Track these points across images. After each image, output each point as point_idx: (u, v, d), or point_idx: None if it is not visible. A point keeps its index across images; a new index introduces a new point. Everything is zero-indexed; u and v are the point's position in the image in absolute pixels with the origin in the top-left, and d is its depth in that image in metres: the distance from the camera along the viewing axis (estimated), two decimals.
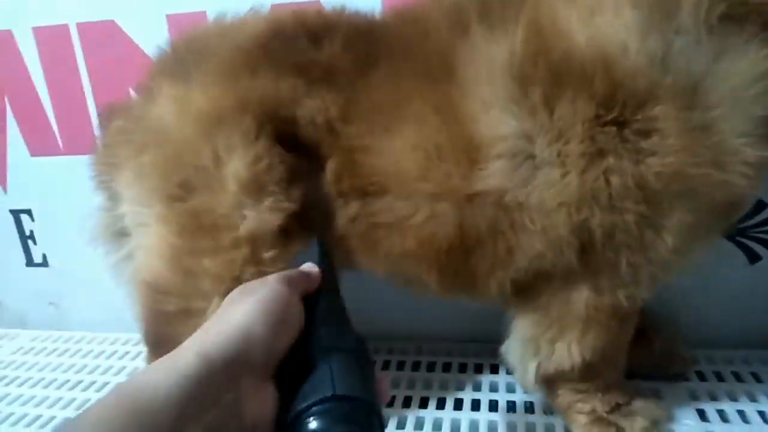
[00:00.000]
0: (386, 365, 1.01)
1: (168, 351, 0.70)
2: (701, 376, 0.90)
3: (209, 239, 0.69)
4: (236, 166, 0.68)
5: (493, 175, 0.65)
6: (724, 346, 0.95)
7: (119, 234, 0.82)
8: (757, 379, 0.88)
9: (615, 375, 0.79)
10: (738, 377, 0.89)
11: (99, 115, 0.82)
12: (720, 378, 0.89)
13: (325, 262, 0.61)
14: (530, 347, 0.75)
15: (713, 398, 0.85)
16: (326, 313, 0.54)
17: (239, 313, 0.47)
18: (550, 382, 0.78)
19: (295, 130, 0.71)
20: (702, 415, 0.81)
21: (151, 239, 0.73)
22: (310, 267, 0.59)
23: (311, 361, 0.47)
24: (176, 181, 0.70)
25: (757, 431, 0.77)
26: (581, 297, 0.69)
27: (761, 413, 0.81)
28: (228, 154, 0.69)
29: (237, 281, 0.69)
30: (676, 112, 0.59)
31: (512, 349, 0.77)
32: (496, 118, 0.64)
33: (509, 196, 0.65)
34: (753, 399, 0.84)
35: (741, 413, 0.81)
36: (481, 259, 0.69)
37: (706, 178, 0.60)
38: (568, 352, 0.73)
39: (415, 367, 1.00)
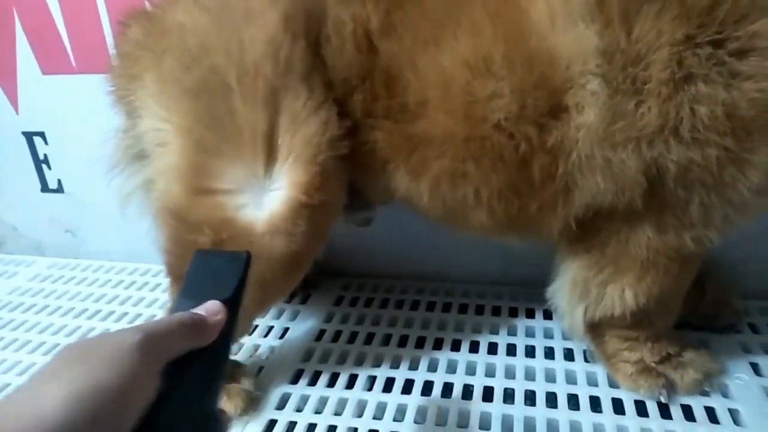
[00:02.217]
0: (415, 305, 0.96)
1: None
2: (754, 329, 0.85)
3: (229, 143, 0.64)
4: (259, 63, 0.62)
5: (563, 100, 0.58)
6: None
7: (138, 157, 0.76)
8: None
9: (667, 323, 0.74)
10: None
11: (117, 24, 0.75)
12: None
13: (241, 293, 0.47)
14: (579, 290, 0.70)
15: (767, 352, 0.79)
16: (189, 389, 0.40)
17: (58, 401, 0.31)
18: (596, 328, 0.73)
19: (321, 44, 0.65)
20: (756, 368, 0.76)
21: (171, 158, 0.67)
22: (213, 311, 0.44)
23: None
24: (200, 70, 0.64)
25: None
26: (642, 237, 0.63)
27: None
28: (252, 52, 0.63)
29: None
30: None
31: (560, 292, 0.72)
32: (568, 34, 0.56)
33: (574, 123, 0.58)
34: None
35: None
36: (538, 192, 0.63)
37: None
38: (620, 297, 0.68)
39: (446, 308, 0.95)
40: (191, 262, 0.49)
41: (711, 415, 0.69)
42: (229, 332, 0.45)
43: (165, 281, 1.09)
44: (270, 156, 0.64)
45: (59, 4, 1.00)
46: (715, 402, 0.71)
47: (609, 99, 0.56)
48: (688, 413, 0.70)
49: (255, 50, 0.62)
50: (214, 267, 0.48)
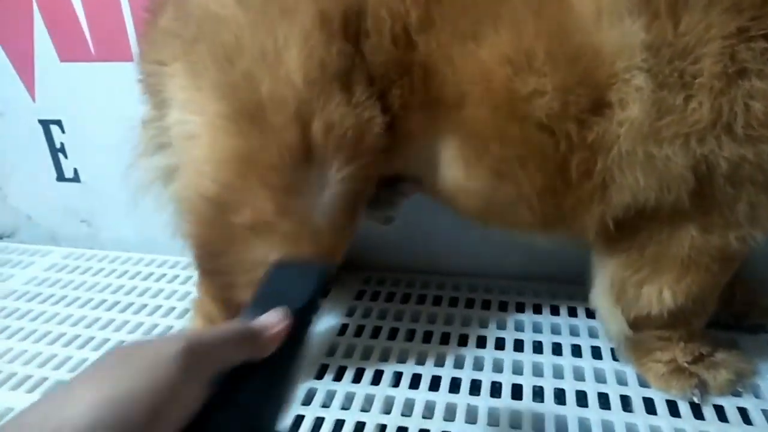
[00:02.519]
0: (437, 301, 0.95)
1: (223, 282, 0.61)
2: None
3: (258, 146, 0.62)
4: (292, 72, 0.60)
5: (607, 95, 0.56)
6: None
7: (160, 148, 0.74)
8: None
9: (701, 323, 0.73)
10: None
11: (144, 9, 0.73)
12: None
13: (313, 307, 0.44)
14: (617, 291, 0.69)
15: None
16: (241, 402, 0.38)
17: (86, 405, 0.31)
18: (632, 328, 0.72)
19: (360, 40, 0.62)
20: None
21: (202, 152, 0.66)
22: (272, 322, 0.41)
23: None
24: (233, 72, 0.61)
25: None
26: (686, 237, 0.62)
27: None
28: (286, 58, 0.60)
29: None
30: None
31: (599, 295, 0.71)
32: (614, 29, 0.55)
33: (617, 119, 0.57)
34: None
35: None
36: (574, 188, 0.62)
37: None
38: (657, 297, 0.67)
39: (469, 304, 0.94)
40: (265, 273, 0.46)
41: (744, 416, 0.69)
42: (294, 346, 0.41)
43: (183, 273, 1.08)
44: (301, 160, 0.62)
45: None
46: (748, 402, 0.70)
47: (654, 93, 0.55)
48: (721, 414, 0.69)
49: (289, 56, 0.59)
50: (288, 279, 0.46)
